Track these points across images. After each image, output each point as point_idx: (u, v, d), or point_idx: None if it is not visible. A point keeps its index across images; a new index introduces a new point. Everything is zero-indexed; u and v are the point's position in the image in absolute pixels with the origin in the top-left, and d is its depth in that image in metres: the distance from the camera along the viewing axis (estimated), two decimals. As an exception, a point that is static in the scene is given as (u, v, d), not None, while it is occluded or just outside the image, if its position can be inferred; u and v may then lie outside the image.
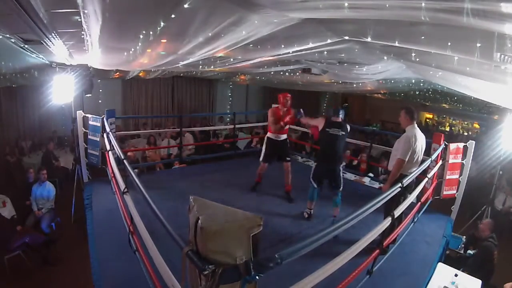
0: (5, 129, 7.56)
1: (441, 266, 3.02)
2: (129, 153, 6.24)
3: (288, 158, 4.21)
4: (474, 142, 4.06)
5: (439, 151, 3.85)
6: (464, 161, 4.10)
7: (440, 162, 3.97)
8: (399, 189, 2.49)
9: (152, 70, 6.62)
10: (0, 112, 7.43)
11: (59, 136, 8.26)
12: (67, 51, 3.33)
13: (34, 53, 3.66)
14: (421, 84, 6.83)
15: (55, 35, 2.43)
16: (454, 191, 4.12)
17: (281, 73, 6.76)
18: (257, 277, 1.23)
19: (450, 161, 4.06)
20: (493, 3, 1.26)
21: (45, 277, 4.20)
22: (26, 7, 1.58)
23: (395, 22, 2.01)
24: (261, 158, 4.28)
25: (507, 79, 2.48)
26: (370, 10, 1.66)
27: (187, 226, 1.42)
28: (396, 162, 3.04)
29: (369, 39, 2.43)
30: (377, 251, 2.33)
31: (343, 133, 3.43)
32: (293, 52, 3.44)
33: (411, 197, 2.96)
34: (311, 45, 2.99)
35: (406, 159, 3.01)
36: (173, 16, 2.06)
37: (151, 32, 2.45)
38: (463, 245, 4.51)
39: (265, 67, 5.55)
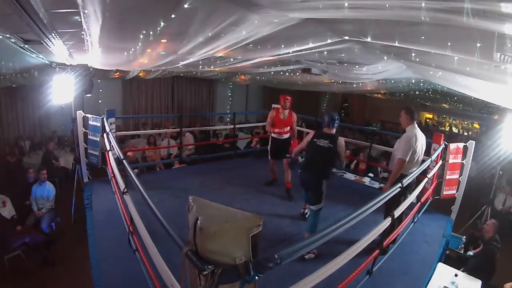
0: (5, 129, 7.57)
1: (441, 266, 3.02)
2: (129, 153, 6.24)
3: (288, 155, 4.25)
4: (474, 142, 4.06)
5: (439, 151, 3.85)
6: (464, 161, 4.10)
7: (440, 162, 3.97)
8: (399, 189, 2.49)
9: (152, 70, 6.62)
10: (0, 112, 7.43)
11: (59, 136, 8.26)
12: (67, 51, 3.33)
13: (34, 53, 3.66)
14: (421, 84, 6.82)
15: (55, 35, 2.43)
16: (454, 191, 4.12)
17: (281, 73, 6.75)
18: (256, 277, 1.23)
19: (450, 161, 4.06)
20: (493, 3, 1.26)
21: (45, 277, 4.20)
22: (26, 7, 1.58)
23: (395, 22, 2.01)
24: (269, 156, 4.64)
25: (507, 79, 2.48)
26: (370, 10, 1.66)
27: (187, 226, 1.42)
28: (397, 162, 3.05)
29: (369, 39, 2.42)
30: (377, 251, 2.33)
31: (331, 145, 3.08)
32: (293, 52, 3.43)
33: (411, 197, 2.97)
34: (311, 45, 2.98)
35: (407, 159, 3.01)
36: (173, 16, 2.05)
37: (151, 32, 2.44)
38: (463, 245, 4.52)
39: (265, 67, 5.55)
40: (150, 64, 4.43)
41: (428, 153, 3.62)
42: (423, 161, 3.25)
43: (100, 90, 8.84)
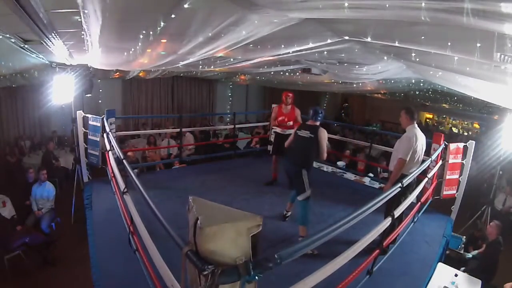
0: (5, 129, 7.57)
1: (441, 266, 3.02)
2: (129, 153, 6.25)
3: None
4: (474, 142, 4.06)
5: (439, 151, 3.85)
6: (464, 161, 4.10)
7: (440, 162, 3.97)
8: (399, 189, 2.49)
9: (152, 70, 6.62)
10: (0, 112, 7.43)
11: (59, 136, 8.26)
12: (67, 51, 3.33)
13: (34, 53, 3.65)
14: (421, 84, 6.82)
15: (55, 35, 2.43)
16: (454, 191, 4.12)
17: (281, 73, 6.75)
18: (256, 277, 1.23)
19: (450, 161, 4.06)
20: (493, 3, 1.26)
21: (45, 277, 4.20)
22: (26, 7, 1.58)
23: (395, 22, 2.01)
24: (271, 152, 4.73)
25: (507, 79, 2.48)
26: (370, 10, 1.66)
27: (187, 226, 1.42)
28: (398, 162, 3.05)
29: (369, 39, 2.42)
30: (377, 251, 2.33)
31: (312, 136, 3.21)
32: (293, 52, 3.43)
33: (412, 197, 2.97)
34: (311, 45, 2.98)
35: (407, 159, 3.02)
36: (173, 16, 2.05)
37: (151, 32, 2.44)
38: (463, 245, 4.52)
39: (265, 67, 5.55)
40: (150, 64, 4.43)
41: (428, 153, 3.62)
42: (423, 161, 3.25)
43: (100, 90, 8.84)
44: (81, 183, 5.06)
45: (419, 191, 3.20)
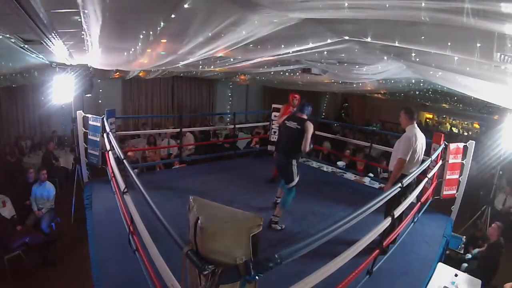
0: (5, 129, 7.56)
1: (441, 266, 3.02)
2: (129, 153, 6.24)
3: None
4: (474, 142, 4.06)
5: (439, 151, 3.85)
6: (464, 161, 4.10)
7: (440, 162, 3.97)
8: (399, 189, 2.50)
9: (152, 70, 6.62)
10: (0, 112, 7.43)
11: (59, 136, 8.25)
12: (67, 51, 3.32)
13: (34, 53, 3.65)
14: (421, 84, 6.82)
15: (55, 35, 2.42)
16: (454, 191, 4.12)
17: (281, 73, 6.75)
18: (257, 277, 1.23)
19: (450, 161, 4.06)
20: (493, 3, 1.26)
21: (45, 277, 4.20)
22: (26, 7, 1.58)
23: (395, 22, 2.01)
24: (274, 150, 4.90)
25: (507, 79, 2.48)
26: (370, 10, 1.66)
27: (187, 226, 1.43)
28: (397, 162, 3.05)
29: (369, 39, 2.42)
30: (377, 251, 2.33)
31: (298, 127, 3.39)
32: (293, 52, 3.43)
33: (412, 197, 2.97)
34: (311, 45, 2.98)
35: (407, 159, 3.01)
36: (173, 16, 2.05)
37: (151, 32, 2.45)
38: (463, 245, 4.52)
39: (265, 67, 5.55)
40: (150, 64, 4.43)
41: (428, 153, 3.62)
42: (423, 161, 3.25)
43: (100, 90, 8.83)
44: (81, 183, 5.05)
45: (419, 191, 3.20)
